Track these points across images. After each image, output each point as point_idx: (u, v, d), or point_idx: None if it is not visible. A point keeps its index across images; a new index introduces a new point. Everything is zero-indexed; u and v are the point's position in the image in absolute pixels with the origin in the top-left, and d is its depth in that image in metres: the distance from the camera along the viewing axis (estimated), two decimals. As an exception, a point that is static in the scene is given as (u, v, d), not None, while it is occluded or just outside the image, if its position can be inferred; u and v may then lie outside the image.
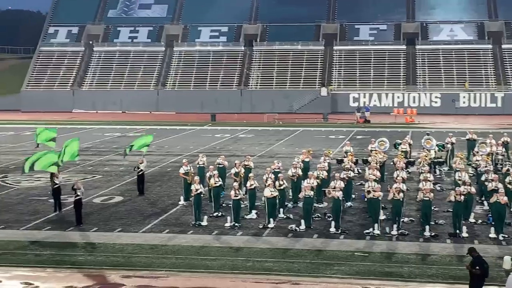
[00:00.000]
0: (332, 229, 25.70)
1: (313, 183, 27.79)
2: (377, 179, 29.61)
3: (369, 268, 21.43)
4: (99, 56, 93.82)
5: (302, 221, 26.31)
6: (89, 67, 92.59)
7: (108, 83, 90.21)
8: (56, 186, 29.38)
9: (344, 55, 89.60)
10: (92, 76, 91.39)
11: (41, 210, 29.60)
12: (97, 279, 20.47)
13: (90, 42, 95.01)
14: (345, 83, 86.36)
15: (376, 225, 25.54)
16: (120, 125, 68.00)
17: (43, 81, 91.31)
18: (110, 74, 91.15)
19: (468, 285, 18.12)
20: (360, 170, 35.66)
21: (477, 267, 17.66)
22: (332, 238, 24.87)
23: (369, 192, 26.62)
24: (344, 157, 35.64)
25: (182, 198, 30.99)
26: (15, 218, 28.05)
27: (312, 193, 26.77)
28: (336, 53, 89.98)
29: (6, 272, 21.06)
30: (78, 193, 26.93)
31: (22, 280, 20.42)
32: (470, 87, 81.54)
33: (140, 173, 32.83)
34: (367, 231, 25.46)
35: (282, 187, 27.84)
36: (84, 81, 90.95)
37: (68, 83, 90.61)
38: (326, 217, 27.54)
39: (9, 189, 34.46)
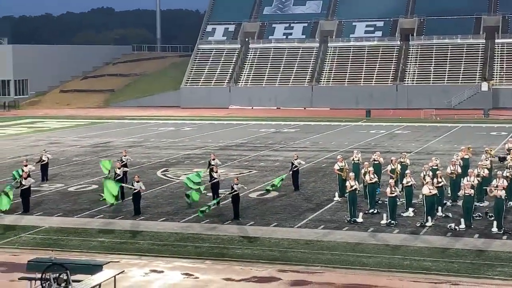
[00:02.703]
0: (494, 229, 24.68)
1: (473, 181, 26.87)
2: (543, 178, 28.15)
3: (535, 271, 20.38)
4: (254, 53, 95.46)
5: (462, 220, 25.46)
6: (245, 64, 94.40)
7: (263, 80, 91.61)
8: (214, 180, 30.12)
9: (506, 48, 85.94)
10: (248, 73, 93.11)
11: (200, 203, 30.33)
12: (253, 273, 20.73)
13: (246, 39, 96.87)
14: (507, 78, 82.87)
15: (542, 226, 24.27)
16: (275, 121, 68.81)
17: (201, 78, 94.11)
18: (265, 71, 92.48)
19: None
20: (524, 168, 33.99)
21: None
22: (494, 239, 23.89)
23: (534, 191, 25.34)
24: (507, 154, 34.28)
25: (337, 194, 30.85)
26: (175, 211, 28.99)
27: (472, 191, 25.90)
28: (498, 46, 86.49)
29: (168, 263, 21.77)
30: (235, 188, 27.42)
31: (182, 271, 21.03)
32: None
33: (295, 169, 33.03)
34: (532, 232, 24.26)
35: (440, 185, 27.11)
36: (240, 77, 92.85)
37: (224, 80, 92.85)
38: (488, 216, 26.49)
39: (170, 183, 35.68)
